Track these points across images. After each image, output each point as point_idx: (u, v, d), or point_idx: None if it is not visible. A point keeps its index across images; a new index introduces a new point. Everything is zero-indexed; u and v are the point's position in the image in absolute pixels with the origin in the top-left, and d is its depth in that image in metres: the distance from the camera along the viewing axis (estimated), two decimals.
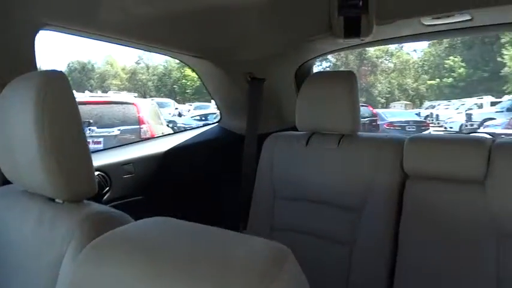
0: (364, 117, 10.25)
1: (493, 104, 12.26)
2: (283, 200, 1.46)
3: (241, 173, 1.65)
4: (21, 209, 0.79)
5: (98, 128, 5.26)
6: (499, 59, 13.72)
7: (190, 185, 1.70)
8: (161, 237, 0.52)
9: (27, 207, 0.78)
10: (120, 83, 23.52)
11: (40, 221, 0.74)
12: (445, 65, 16.69)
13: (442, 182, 1.16)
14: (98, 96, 7.63)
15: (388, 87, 18.54)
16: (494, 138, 1.16)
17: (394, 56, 18.69)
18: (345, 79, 1.36)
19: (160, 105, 9.24)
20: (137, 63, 24.72)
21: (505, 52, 13.29)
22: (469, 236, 1.08)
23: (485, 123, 10.83)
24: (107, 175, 1.44)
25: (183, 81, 22.92)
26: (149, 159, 1.60)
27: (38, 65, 1.10)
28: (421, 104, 17.50)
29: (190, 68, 1.69)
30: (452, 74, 16.24)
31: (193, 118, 11.86)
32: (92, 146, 4.80)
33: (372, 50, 17.96)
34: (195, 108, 15.50)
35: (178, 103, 17.97)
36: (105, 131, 5.25)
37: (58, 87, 0.72)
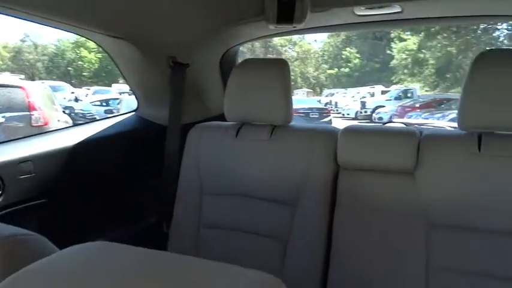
0: None
1: (383, 92, 13.54)
2: (212, 195, 1.36)
3: (164, 167, 1.50)
4: None
5: None
6: (388, 51, 15.13)
7: (105, 184, 1.50)
8: (104, 271, 0.40)
9: None
10: (1, 62, 20.73)
11: None
12: (343, 56, 17.91)
13: (375, 173, 1.17)
14: None
15: (292, 75, 19.29)
16: (422, 129, 1.20)
17: (297, 45, 19.47)
18: (277, 67, 1.30)
19: (54, 89, 8.32)
20: (22, 40, 22.00)
21: (393, 46, 14.69)
22: (401, 226, 1.11)
23: (377, 110, 11.93)
24: None
25: (79, 63, 21.04)
26: (53, 155, 1.37)
27: None
28: (321, 91, 18.59)
29: (103, 49, 1.47)
30: (349, 64, 17.51)
31: (92, 103, 10.95)
32: None
33: (276, 39, 18.47)
34: (94, 93, 14.38)
35: (74, 87, 16.48)
36: None
37: None
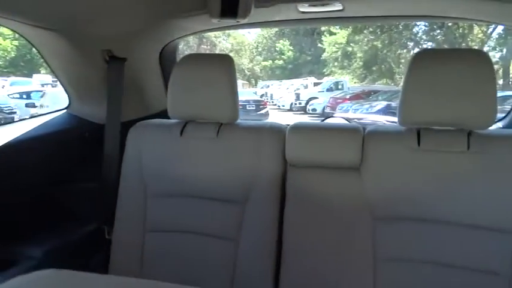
0: None
1: (315, 84, 14.00)
2: (157, 197, 1.31)
3: (102, 169, 1.41)
4: None
5: None
6: (319, 44, 15.65)
7: (36, 191, 1.37)
8: None
9: None
10: None
11: None
12: (276, 48, 18.19)
13: (322, 170, 1.19)
14: None
15: None
16: (365, 126, 1.24)
17: (231, 37, 19.39)
18: (222, 63, 1.27)
19: None
20: None
21: (324, 39, 15.21)
22: (348, 220, 1.15)
23: (310, 102, 12.32)
24: None
25: None
26: None
27: None
28: (256, 83, 18.75)
29: (26, 39, 1.32)
30: (283, 56, 17.84)
31: (10, 96, 9.99)
32: None
33: None
34: (12, 84, 13.14)
35: None
36: None
37: None
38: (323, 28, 14.88)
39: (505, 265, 1.02)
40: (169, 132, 1.32)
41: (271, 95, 14.57)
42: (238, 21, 1.29)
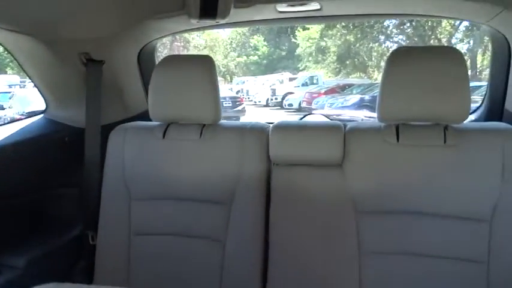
0: None
1: (291, 79, 14.07)
2: (141, 200, 1.30)
3: (84, 174, 1.39)
4: None
5: None
6: (293, 40, 15.72)
7: (16, 199, 1.33)
8: None
9: None
10: None
11: None
12: (251, 44, 18.16)
13: (306, 167, 1.22)
14: None
15: None
16: (345, 123, 1.27)
17: (205, 33, 19.22)
18: (203, 64, 1.27)
19: None
20: None
21: (297, 34, 15.29)
22: (333, 215, 1.17)
23: (286, 97, 12.39)
24: None
25: None
26: None
27: None
28: (231, 79, 18.68)
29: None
30: (257, 52, 17.84)
31: None
32: None
33: None
34: None
35: None
36: None
37: None
38: None
39: (483, 253, 1.07)
40: (152, 134, 1.31)
41: (247, 91, 14.56)
42: (217, 22, 1.30)
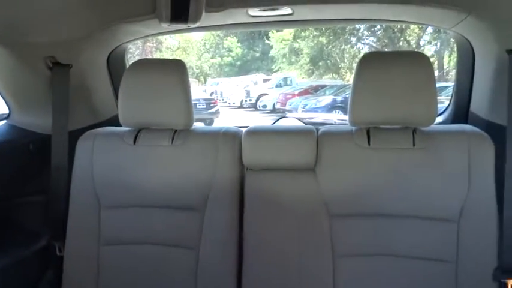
0: None
1: (265, 81, 14.11)
2: (111, 208, 1.27)
3: (50, 182, 1.34)
4: None
5: None
6: (267, 41, 15.78)
7: None
8: None
9: None
10: None
11: None
12: (224, 45, 18.11)
13: (280, 172, 1.22)
14: None
15: None
16: (318, 127, 1.28)
17: (178, 34, 19.06)
18: (174, 68, 1.26)
19: None
20: None
21: (271, 35, 15.35)
22: (307, 219, 1.18)
23: (261, 99, 12.42)
24: None
25: None
26: None
27: None
28: (205, 81, 18.56)
29: None
30: (231, 53, 17.78)
31: None
32: None
33: None
34: None
35: None
36: None
37: None
38: None
39: (451, 252, 1.11)
40: (122, 140, 1.28)
41: (221, 93, 14.49)
42: (189, 26, 1.28)
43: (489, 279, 1.09)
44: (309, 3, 1.23)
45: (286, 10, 1.27)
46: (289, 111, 9.69)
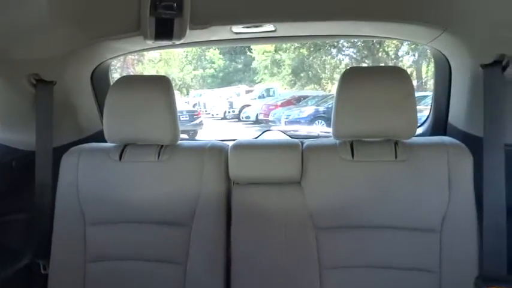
0: None
1: (248, 92, 14.17)
2: (97, 225, 1.26)
3: (35, 199, 1.32)
4: None
5: None
6: (249, 53, 15.90)
7: None
8: None
9: None
10: None
11: None
12: (206, 57, 18.15)
13: (266, 186, 1.24)
14: None
15: None
16: (303, 140, 1.31)
17: None
18: (159, 84, 1.27)
19: None
20: None
21: (253, 47, 15.47)
22: (294, 232, 1.20)
23: (244, 110, 12.46)
24: None
25: None
26: None
27: None
28: (188, 92, 18.50)
29: None
30: (213, 65, 17.82)
31: None
32: None
33: None
34: None
35: None
36: None
37: None
38: None
39: (435, 262, 1.14)
40: (108, 156, 1.28)
41: (204, 104, 14.48)
42: (173, 42, 1.30)
43: None
44: (291, 21, 1.26)
45: (269, 27, 1.30)
46: (273, 122, 9.75)
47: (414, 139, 1.21)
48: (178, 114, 1.32)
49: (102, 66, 1.54)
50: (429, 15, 1.15)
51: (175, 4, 1.17)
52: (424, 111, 1.68)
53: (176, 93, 1.34)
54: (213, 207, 1.24)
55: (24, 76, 1.26)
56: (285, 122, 9.15)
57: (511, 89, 1.09)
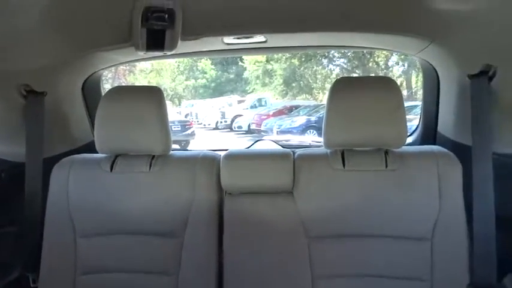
0: None
1: (240, 102, 14.20)
2: (88, 237, 1.25)
3: (24, 210, 1.31)
4: None
5: None
6: (240, 63, 15.97)
7: None
8: None
9: None
10: None
11: None
12: (198, 67, 18.19)
13: (258, 195, 1.24)
14: None
15: None
16: (294, 150, 1.31)
17: None
18: (151, 95, 1.27)
19: None
20: None
21: (244, 57, 15.56)
22: (285, 241, 1.20)
23: (236, 120, 12.47)
24: None
25: None
26: None
27: None
28: (180, 103, 18.48)
29: None
30: (205, 75, 17.86)
31: None
32: None
33: None
34: None
35: None
36: None
37: None
38: None
39: (426, 271, 1.14)
40: (99, 167, 1.27)
41: (196, 114, 14.47)
42: (165, 53, 1.30)
43: None
44: (281, 32, 1.27)
45: (260, 38, 1.32)
46: (265, 131, 9.77)
47: (404, 148, 1.22)
48: (170, 124, 1.32)
49: (94, 77, 1.54)
50: (417, 27, 1.17)
51: (166, 15, 1.18)
52: (414, 120, 1.70)
53: (168, 103, 1.34)
54: (205, 217, 1.23)
55: (14, 87, 1.26)
56: (277, 131, 9.18)
57: (498, 99, 1.11)
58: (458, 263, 1.13)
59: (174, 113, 12.45)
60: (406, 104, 1.21)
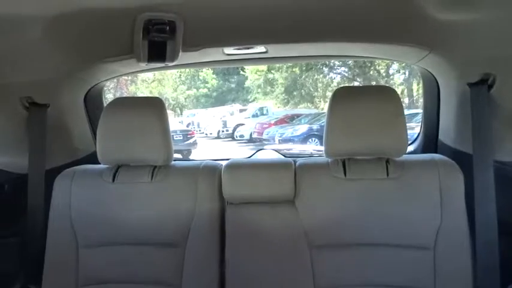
0: None
1: (241, 111, 14.24)
2: (90, 247, 1.25)
3: (27, 222, 1.31)
4: None
5: None
6: (242, 72, 16.05)
7: None
8: None
9: None
10: None
11: None
12: (200, 77, 18.28)
13: (260, 205, 1.24)
14: None
15: None
16: (295, 159, 1.32)
17: None
18: (153, 106, 1.28)
19: None
20: None
21: (246, 67, 15.64)
22: (288, 251, 1.20)
23: (238, 129, 12.49)
24: None
25: None
26: None
27: None
28: (181, 112, 18.54)
29: None
30: (207, 84, 17.94)
31: None
32: None
33: None
34: None
35: None
36: None
37: None
38: None
39: (429, 280, 1.13)
40: (101, 178, 1.28)
41: (198, 123, 14.51)
42: (166, 64, 1.31)
43: None
44: (282, 43, 1.28)
45: (260, 48, 1.33)
46: (267, 140, 9.79)
47: (406, 157, 1.23)
48: (172, 134, 1.32)
49: (96, 88, 1.56)
50: (416, 36, 1.18)
51: (167, 27, 1.19)
52: (416, 128, 1.71)
53: (170, 113, 1.35)
54: (207, 227, 1.23)
55: (17, 99, 1.27)
56: (279, 140, 9.19)
57: (497, 107, 1.11)
58: (461, 272, 1.13)
59: (176, 123, 12.49)
60: (408, 111, 1.21)
